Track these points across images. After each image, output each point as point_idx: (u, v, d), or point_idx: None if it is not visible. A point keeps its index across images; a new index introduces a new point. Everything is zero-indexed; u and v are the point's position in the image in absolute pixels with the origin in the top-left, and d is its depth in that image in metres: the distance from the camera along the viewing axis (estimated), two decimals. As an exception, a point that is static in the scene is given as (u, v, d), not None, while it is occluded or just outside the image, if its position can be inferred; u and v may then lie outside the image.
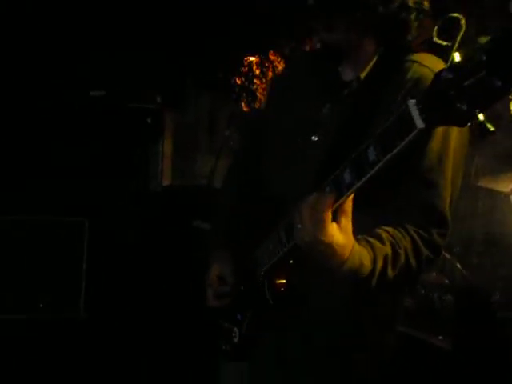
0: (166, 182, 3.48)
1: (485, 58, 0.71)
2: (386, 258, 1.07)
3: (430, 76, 0.84)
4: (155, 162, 3.37)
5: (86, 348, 2.54)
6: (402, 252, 1.08)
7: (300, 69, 1.36)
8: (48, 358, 2.52)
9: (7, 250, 2.60)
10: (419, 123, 0.79)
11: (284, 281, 1.18)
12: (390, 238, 1.08)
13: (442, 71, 0.78)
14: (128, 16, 3.21)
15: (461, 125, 0.78)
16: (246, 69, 3.41)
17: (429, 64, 1.13)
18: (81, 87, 3.11)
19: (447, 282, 2.53)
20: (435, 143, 1.09)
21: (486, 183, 2.67)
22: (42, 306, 2.59)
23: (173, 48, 3.41)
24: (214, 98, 3.77)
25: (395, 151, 0.84)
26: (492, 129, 0.80)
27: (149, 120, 3.25)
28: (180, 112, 3.66)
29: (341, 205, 0.97)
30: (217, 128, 3.76)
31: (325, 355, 1.21)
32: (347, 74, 1.23)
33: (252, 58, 3.40)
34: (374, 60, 1.19)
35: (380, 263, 1.06)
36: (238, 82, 3.40)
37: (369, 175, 0.89)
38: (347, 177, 0.93)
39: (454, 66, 0.75)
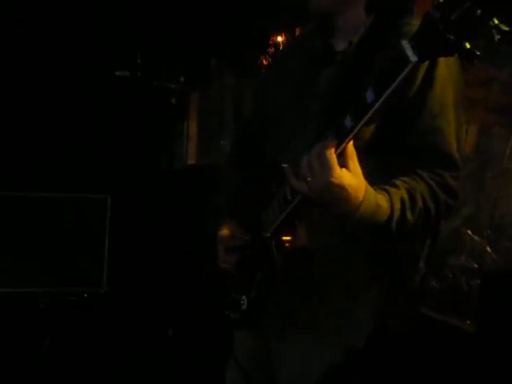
0: (191, 161, 3.48)
1: None
2: (403, 200, 1.08)
3: None
4: (180, 141, 3.37)
5: (109, 321, 2.58)
6: (418, 196, 1.09)
7: (295, 47, 1.40)
8: (73, 331, 2.57)
9: (31, 227, 2.64)
10: (412, 57, 0.86)
11: (290, 239, 1.18)
12: (405, 185, 1.10)
13: (429, 11, 0.84)
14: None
15: (450, 54, 0.84)
16: (273, 49, 3.36)
17: None
18: (106, 67, 3.12)
19: (476, 266, 2.45)
20: (435, 92, 1.14)
21: (520, 165, 2.56)
22: (65, 280, 2.63)
23: (198, 28, 3.38)
24: (239, 78, 3.74)
25: (392, 87, 0.89)
26: (478, 52, 0.82)
27: (173, 100, 3.24)
28: (205, 92, 3.64)
29: (344, 150, 1.00)
30: (242, 108, 3.73)
31: (334, 312, 1.21)
32: (340, 45, 1.25)
33: (279, 39, 3.34)
34: (368, 25, 1.20)
35: (397, 205, 1.07)
36: (265, 62, 3.36)
37: (367, 116, 0.93)
38: (347, 122, 0.96)
39: (440, 4, 0.83)
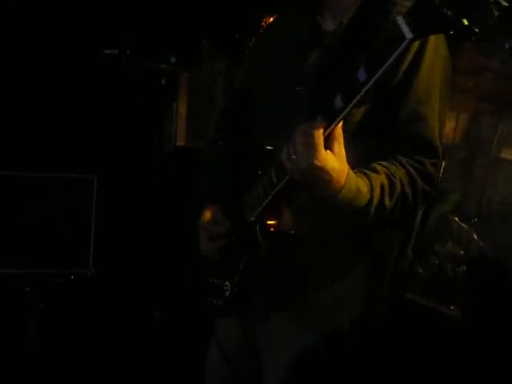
0: (180, 143, 3.44)
1: None
2: (382, 186, 1.08)
3: None
4: (169, 122, 3.33)
5: (95, 303, 2.57)
6: (397, 182, 1.09)
7: (283, 26, 1.35)
8: (59, 313, 2.55)
9: (16, 206, 2.59)
10: (408, 34, 0.82)
11: (275, 222, 1.18)
12: (385, 170, 1.10)
13: None
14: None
15: (447, 31, 0.81)
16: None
17: None
18: (95, 45, 3.06)
19: (462, 252, 2.48)
20: (422, 77, 1.11)
21: (508, 154, 2.59)
22: (52, 262, 2.61)
23: (188, 8, 3.32)
24: (230, 59, 3.69)
25: (385, 66, 0.86)
26: (476, 30, 0.79)
27: (163, 81, 3.19)
28: (195, 73, 3.59)
29: (332, 132, 0.98)
30: (232, 89, 3.69)
31: (319, 294, 1.21)
32: (328, 24, 1.21)
33: (271, 19, 3.30)
34: (357, 5, 1.16)
35: (377, 191, 1.07)
36: (256, 44, 3.32)
37: (359, 96, 0.90)
38: (337, 102, 0.94)
39: None
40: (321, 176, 0.99)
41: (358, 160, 1.09)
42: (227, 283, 1.28)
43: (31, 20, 2.93)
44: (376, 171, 1.09)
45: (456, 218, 2.52)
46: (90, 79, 3.03)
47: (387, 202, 1.08)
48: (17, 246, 2.59)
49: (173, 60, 3.19)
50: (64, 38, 2.99)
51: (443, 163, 1.97)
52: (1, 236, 2.56)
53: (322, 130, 0.96)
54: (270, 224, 1.18)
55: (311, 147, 0.97)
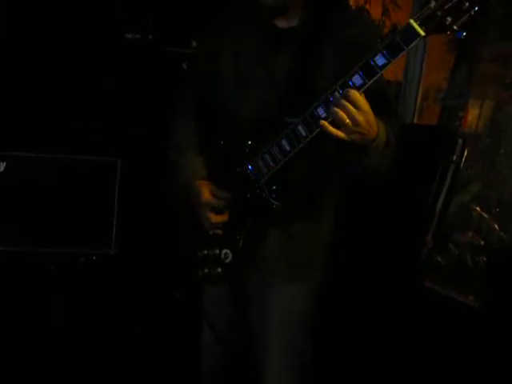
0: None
1: None
2: (388, 134, 1.29)
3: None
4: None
5: (117, 283, 2.63)
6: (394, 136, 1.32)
7: (234, 19, 1.46)
8: (82, 293, 2.61)
9: (41, 188, 2.65)
10: (422, 32, 1.13)
11: (280, 187, 1.32)
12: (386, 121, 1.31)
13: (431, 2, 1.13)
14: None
15: (447, 32, 1.12)
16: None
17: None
18: (117, 29, 3.07)
19: (482, 242, 2.46)
20: None
21: (532, 143, 2.54)
22: (75, 241, 2.67)
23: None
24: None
25: (400, 55, 1.15)
26: (464, 33, 1.13)
27: (184, 65, 3.19)
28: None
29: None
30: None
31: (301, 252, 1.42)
32: (281, 23, 1.37)
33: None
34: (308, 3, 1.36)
35: (387, 129, 1.29)
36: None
37: (378, 75, 1.17)
38: (357, 80, 1.18)
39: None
40: (369, 127, 1.19)
41: None
42: (226, 251, 1.38)
43: (54, 5, 2.95)
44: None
45: (477, 208, 2.50)
46: (113, 63, 3.05)
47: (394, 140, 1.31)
48: (41, 225, 2.65)
49: (194, 44, 3.19)
50: (87, 23, 3.01)
51: (465, 151, 1.96)
52: (26, 217, 2.63)
53: (358, 92, 1.17)
54: (277, 189, 1.32)
55: (359, 101, 1.16)
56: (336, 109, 1.16)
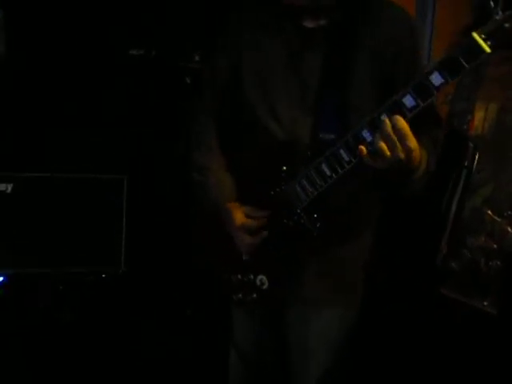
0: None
1: None
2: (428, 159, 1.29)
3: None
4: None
5: (127, 301, 2.61)
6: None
7: (257, 21, 1.38)
8: (91, 312, 2.60)
9: (48, 207, 2.66)
10: (487, 48, 1.01)
11: (319, 215, 1.27)
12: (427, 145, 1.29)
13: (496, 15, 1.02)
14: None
15: (507, 48, 1.01)
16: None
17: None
18: (121, 45, 3.09)
19: (495, 246, 2.42)
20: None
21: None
22: (83, 260, 2.66)
23: (212, 6, 3.33)
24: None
25: (461, 74, 1.03)
26: None
27: (188, 79, 3.20)
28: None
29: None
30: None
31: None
32: (308, 22, 1.29)
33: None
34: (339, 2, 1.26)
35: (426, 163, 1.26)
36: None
37: (433, 97, 1.08)
38: (409, 101, 1.09)
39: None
40: (410, 163, 1.13)
41: None
42: (262, 277, 1.32)
43: (57, 20, 2.98)
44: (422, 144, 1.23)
45: (489, 211, 2.46)
46: (117, 79, 3.07)
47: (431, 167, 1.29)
48: (50, 245, 2.65)
49: (197, 58, 3.20)
50: (90, 40, 3.03)
51: (477, 155, 1.94)
52: (34, 236, 2.63)
53: (404, 120, 1.10)
54: (317, 217, 1.26)
55: (405, 136, 1.09)
56: (380, 139, 1.08)
